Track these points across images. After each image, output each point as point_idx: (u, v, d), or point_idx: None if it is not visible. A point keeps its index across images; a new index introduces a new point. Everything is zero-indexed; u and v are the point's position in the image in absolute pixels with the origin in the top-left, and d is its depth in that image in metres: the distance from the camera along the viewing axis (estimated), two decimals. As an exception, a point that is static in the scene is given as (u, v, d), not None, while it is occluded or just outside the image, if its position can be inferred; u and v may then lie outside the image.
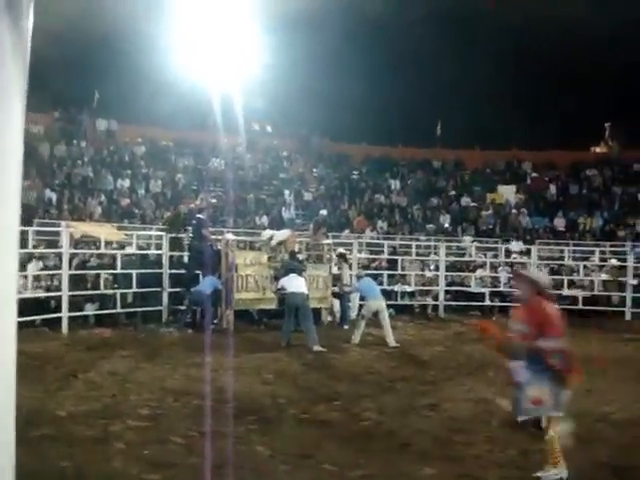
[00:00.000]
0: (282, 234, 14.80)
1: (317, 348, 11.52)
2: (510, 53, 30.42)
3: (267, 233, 15.28)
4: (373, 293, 12.87)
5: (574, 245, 21.94)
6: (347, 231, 23.32)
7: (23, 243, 13.31)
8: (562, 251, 19.94)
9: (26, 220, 19.41)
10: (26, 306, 12.49)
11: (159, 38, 24.12)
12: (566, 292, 17.69)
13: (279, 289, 12.78)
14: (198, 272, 14.11)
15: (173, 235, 14.86)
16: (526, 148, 31.94)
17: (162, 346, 11.54)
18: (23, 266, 13.49)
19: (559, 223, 27.52)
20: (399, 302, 16.96)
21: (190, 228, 14.74)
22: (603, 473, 5.78)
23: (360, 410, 7.70)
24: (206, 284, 13.42)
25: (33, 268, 13.68)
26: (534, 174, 30.99)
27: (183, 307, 14.01)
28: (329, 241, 15.85)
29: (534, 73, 31.95)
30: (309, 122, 31.38)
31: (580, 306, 17.26)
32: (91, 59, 26.76)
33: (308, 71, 27.60)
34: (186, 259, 14.68)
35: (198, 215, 14.66)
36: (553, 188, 29.97)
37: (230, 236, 14.90)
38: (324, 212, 17.94)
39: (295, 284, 12.25)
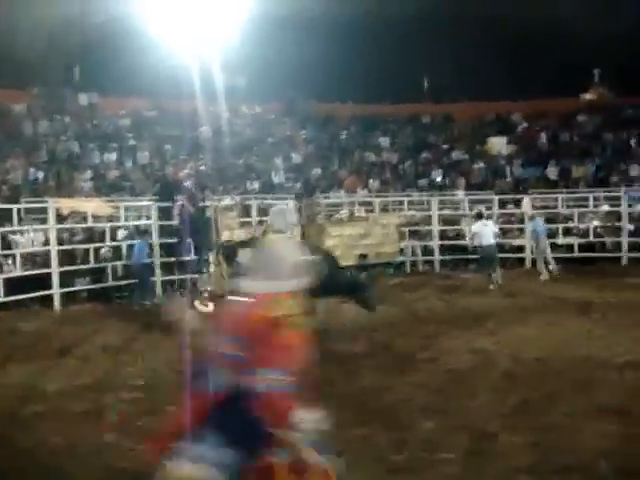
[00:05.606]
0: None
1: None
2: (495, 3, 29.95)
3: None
4: None
5: (567, 193, 21.74)
6: (342, 191, 23.08)
7: (10, 222, 13.13)
8: (556, 199, 19.75)
9: (13, 199, 19.22)
10: (17, 285, 12.35)
11: (137, 8, 23.74)
12: (561, 240, 17.62)
13: None
14: (189, 240, 13.93)
15: (162, 205, 14.67)
16: (515, 99, 31.60)
17: (155, 318, 11.39)
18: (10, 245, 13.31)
19: (551, 172, 27.33)
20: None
21: (179, 197, 14.52)
22: (605, 416, 5.70)
23: (357, 368, 7.59)
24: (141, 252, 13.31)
25: (21, 246, 13.45)
26: (524, 124, 30.67)
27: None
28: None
29: (519, 22, 31.46)
30: (294, 84, 30.97)
31: (576, 254, 17.24)
32: (69, 32, 26.32)
33: (290, 33, 27.21)
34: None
35: (184, 183, 14.48)
36: (544, 137, 29.72)
37: (218, 202, 14.69)
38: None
39: None
